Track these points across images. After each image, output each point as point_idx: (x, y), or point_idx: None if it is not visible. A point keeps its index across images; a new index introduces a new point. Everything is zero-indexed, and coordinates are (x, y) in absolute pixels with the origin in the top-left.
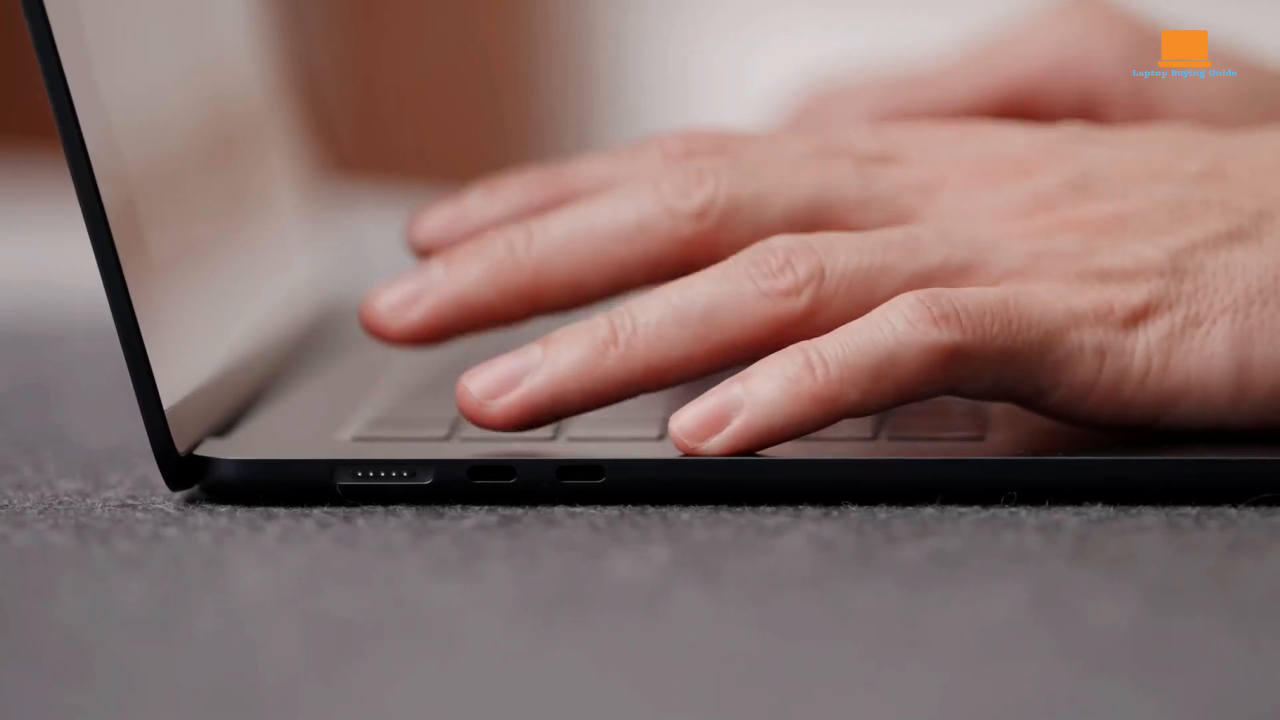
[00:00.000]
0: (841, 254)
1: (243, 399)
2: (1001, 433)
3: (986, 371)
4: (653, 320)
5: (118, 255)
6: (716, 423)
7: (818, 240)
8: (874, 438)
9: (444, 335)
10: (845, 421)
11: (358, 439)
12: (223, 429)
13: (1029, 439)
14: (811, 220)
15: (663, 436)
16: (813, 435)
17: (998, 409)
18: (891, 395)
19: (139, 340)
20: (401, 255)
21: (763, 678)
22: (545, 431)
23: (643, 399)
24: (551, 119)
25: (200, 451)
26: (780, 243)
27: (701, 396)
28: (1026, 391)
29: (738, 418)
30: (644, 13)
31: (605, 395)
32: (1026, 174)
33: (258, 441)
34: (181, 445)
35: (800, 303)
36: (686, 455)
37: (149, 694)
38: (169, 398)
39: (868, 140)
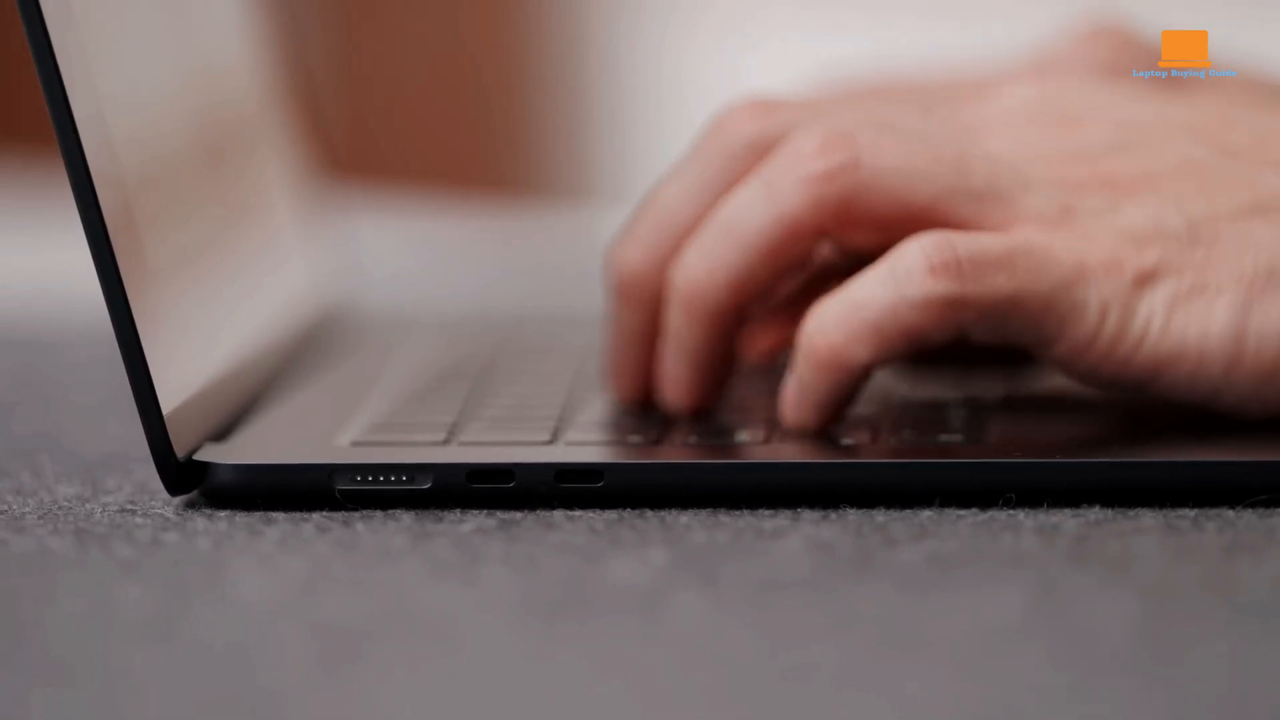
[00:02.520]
0: (887, 153)
1: (241, 403)
2: (999, 435)
3: (990, 319)
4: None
5: (116, 261)
6: (801, 410)
7: (865, 132)
8: (872, 440)
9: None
10: (843, 424)
11: (356, 443)
12: (221, 434)
13: (1027, 441)
14: None
15: (660, 440)
16: (810, 438)
17: (994, 411)
18: (901, 346)
19: (138, 345)
20: (395, 257)
21: (761, 680)
22: (544, 435)
23: (639, 403)
24: (545, 122)
25: (199, 456)
26: (821, 131)
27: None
28: (1032, 340)
29: (807, 401)
30: (637, 16)
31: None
32: (1077, 125)
33: (256, 446)
34: (180, 450)
35: (835, 188)
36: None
37: (149, 698)
38: (168, 403)
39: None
